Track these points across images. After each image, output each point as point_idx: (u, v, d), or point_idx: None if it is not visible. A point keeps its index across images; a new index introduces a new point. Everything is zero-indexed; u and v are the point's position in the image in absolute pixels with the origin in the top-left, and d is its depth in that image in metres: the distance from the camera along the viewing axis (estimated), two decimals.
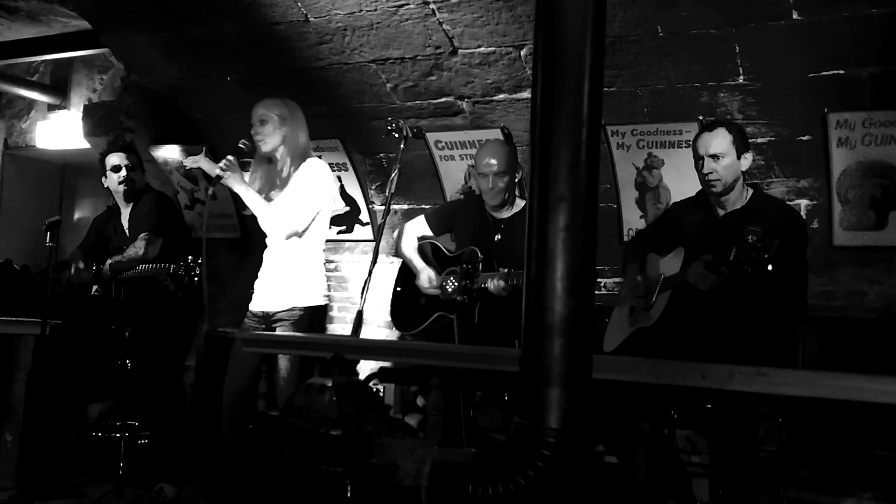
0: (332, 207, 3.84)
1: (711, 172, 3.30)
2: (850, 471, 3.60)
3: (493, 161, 3.89)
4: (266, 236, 3.79)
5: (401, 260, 4.27)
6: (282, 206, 3.65)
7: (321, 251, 3.80)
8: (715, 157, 3.29)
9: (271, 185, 3.75)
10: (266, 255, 3.80)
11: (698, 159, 3.36)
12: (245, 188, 3.67)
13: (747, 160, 3.35)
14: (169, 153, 6.04)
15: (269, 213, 3.66)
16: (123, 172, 4.69)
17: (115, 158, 4.73)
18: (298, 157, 3.74)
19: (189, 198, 6.16)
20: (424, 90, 4.87)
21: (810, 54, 3.89)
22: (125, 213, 4.77)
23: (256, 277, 3.84)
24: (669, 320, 3.33)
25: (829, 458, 3.64)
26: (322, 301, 3.74)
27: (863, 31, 3.73)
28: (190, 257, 4.12)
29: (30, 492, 3.93)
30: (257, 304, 3.76)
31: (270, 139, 3.70)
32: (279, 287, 3.69)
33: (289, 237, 3.66)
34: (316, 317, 3.71)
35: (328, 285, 5.99)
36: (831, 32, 3.78)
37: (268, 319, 3.69)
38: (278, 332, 3.65)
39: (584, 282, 1.99)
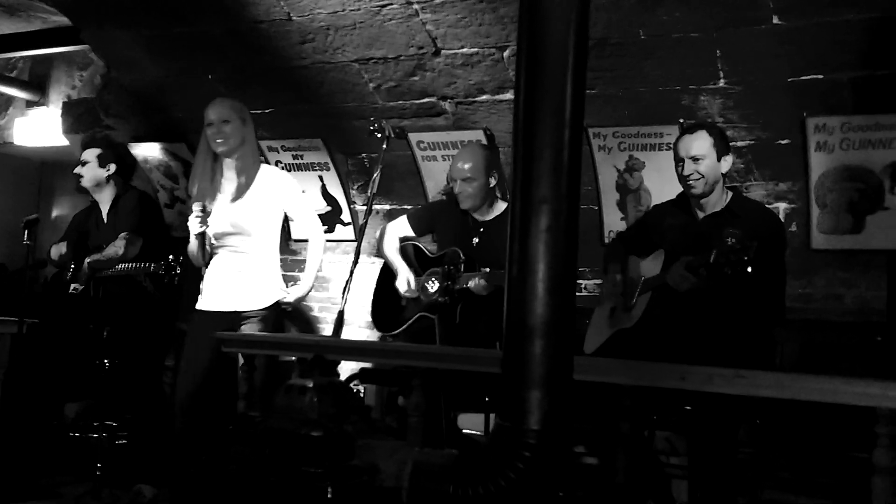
0: None
1: (692, 174, 3.32)
2: (827, 472, 3.63)
3: (463, 166, 3.90)
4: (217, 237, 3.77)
5: (382, 260, 4.26)
6: (314, 227, 3.82)
7: (278, 251, 3.84)
8: (695, 159, 3.31)
9: (229, 188, 3.73)
10: (223, 254, 3.76)
11: (678, 161, 3.38)
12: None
13: (727, 163, 3.37)
14: (149, 151, 6.00)
15: (320, 241, 3.81)
16: (78, 168, 4.70)
17: (84, 154, 4.73)
18: (256, 161, 3.77)
19: (169, 196, 6.12)
20: (407, 90, 4.87)
21: (790, 59, 3.93)
22: (105, 209, 4.74)
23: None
24: (649, 322, 3.35)
25: (807, 460, 3.67)
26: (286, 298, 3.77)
27: (843, 36, 3.77)
28: (171, 257, 4.09)
29: (6, 492, 3.89)
30: (214, 304, 3.73)
31: (232, 139, 3.67)
32: (244, 287, 3.68)
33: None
34: (280, 315, 3.76)
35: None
36: (811, 37, 3.81)
37: (227, 318, 3.67)
38: (245, 329, 3.64)
39: (565, 284, 2.00)
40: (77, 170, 4.71)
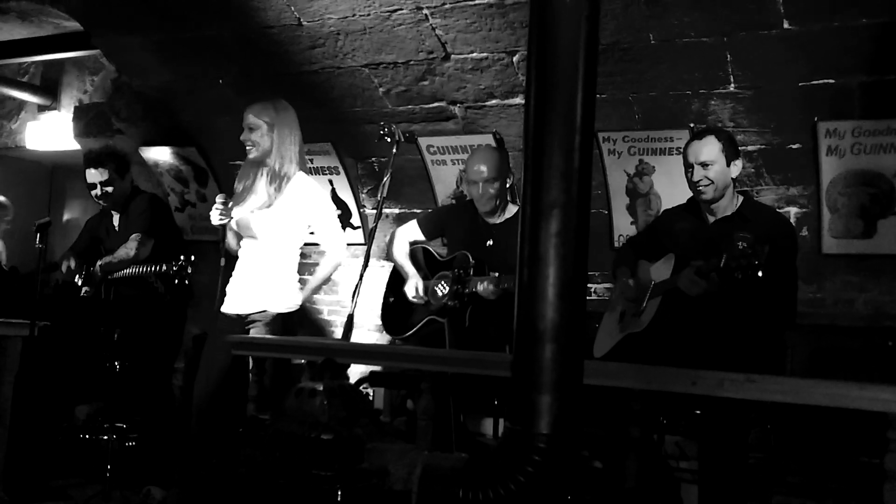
0: None
1: (701, 180, 3.32)
2: (837, 477, 3.61)
3: (483, 168, 3.89)
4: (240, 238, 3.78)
5: (392, 264, 4.27)
6: (334, 244, 3.78)
7: (297, 257, 3.82)
8: (704, 164, 3.31)
9: (260, 192, 3.71)
10: (241, 257, 3.78)
11: (688, 167, 3.38)
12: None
13: (737, 167, 3.36)
14: (159, 155, 6.03)
15: (335, 257, 3.77)
16: (98, 190, 4.65)
17: (90, 175, 4.64)
18: (291, 165, 3.68)
19: (179, 200, 6.14)
20: (417, 95, 4.88)
21: (801, 63, 3.92)
22: (117, 215, 4.76)
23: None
24: (659, 326, 3.34)
25: (818, 465, 3.66)
26: (295, 306, 3.75)
27: (853, 40, 3.76)
28: (181, 258, 4.11)
29: (16, 494, 3.90)
30: (231, 307, 3.74)
31: (260, 146, 3.66)
32: (254, 290, 3.68)
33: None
34: (288, 320, 3.73)
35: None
36: (822, 42, 3.80)
37: (241, 322, 3.69)
38: (252, 333, 3.64)
39: (575, 288, 2.00)
40: (103, 191, 4.65)
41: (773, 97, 4.09)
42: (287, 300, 3.72)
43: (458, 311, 3.80)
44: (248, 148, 3.68)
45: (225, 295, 3.75)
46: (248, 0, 4.69)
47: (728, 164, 3.32)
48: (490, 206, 3.93)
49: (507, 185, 3.96)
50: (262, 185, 3.71)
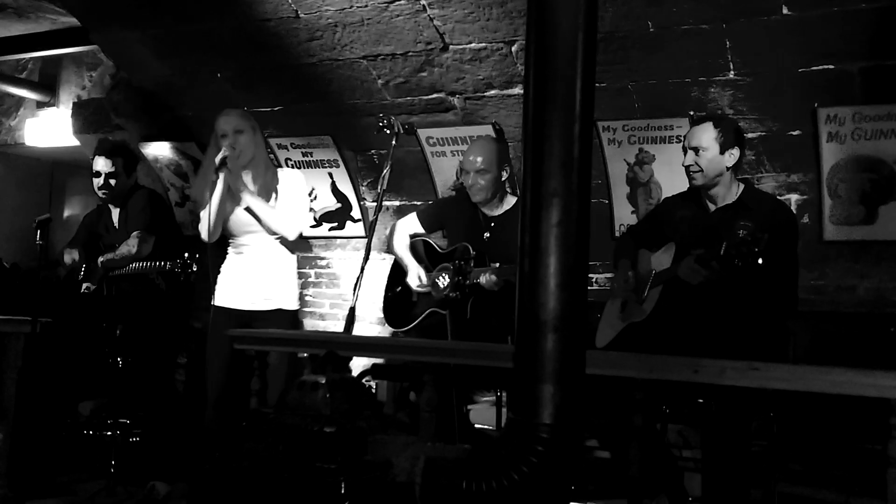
0: None
1: (691, 165, 3.32)
2: (840, 464, 3.62)
3: (478, 159, 3.89)
4: (234, 234, 3.77)
5: (393, 257, 4.27)
6: (287, 209, 3.72)
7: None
8: (696, 150, 3.31)
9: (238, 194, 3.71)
10: (243, 252, 3.78)
11: (684, 152, 3.39)
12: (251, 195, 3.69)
13: (733, 156, 3.32)
14: (159, 150, 6.02)
15: (277, 215, 3.70)
16: (101, 179, 4.62)
17: (98, 163, 4.63)
18: (271, 166, 3.82)
19: (179, 195, 6.14)
20: (416, 86, 4.87)
21: (801, 49, 3.91)
22: (116, 211, 4.75)
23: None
24: (661, 315, 3.34)
25: (820, 452, 3.66)
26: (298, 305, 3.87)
27: (853, 25, 3.75)
28: (186, 255, 4.11)
29: (21, 490, 3.92)
30: (234, 301, 3.75)
31: (248, 149, 3.68)
32: (265, 286, 3.69)
33: (295, 237, 3.77)
34: (296, 319, 3.84)
35: (321, 282, 6.03)
36: (821, 27, 3.79)
37: (245, 316, 3.69)
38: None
39: (576, 278, 2.00)
40: (106, 181, 4.62)
41: (773, 83, 4.08)
42: (297, 295, 3.81)
43: (460, 302, 3.80)
44: (234, 151, 3.61)
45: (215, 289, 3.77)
46: None
47: (722, 152, 3.30)
48: (481, 197, 3.92)
49: (504, 178, 3.95)
50: (250, 187, 3.72)
